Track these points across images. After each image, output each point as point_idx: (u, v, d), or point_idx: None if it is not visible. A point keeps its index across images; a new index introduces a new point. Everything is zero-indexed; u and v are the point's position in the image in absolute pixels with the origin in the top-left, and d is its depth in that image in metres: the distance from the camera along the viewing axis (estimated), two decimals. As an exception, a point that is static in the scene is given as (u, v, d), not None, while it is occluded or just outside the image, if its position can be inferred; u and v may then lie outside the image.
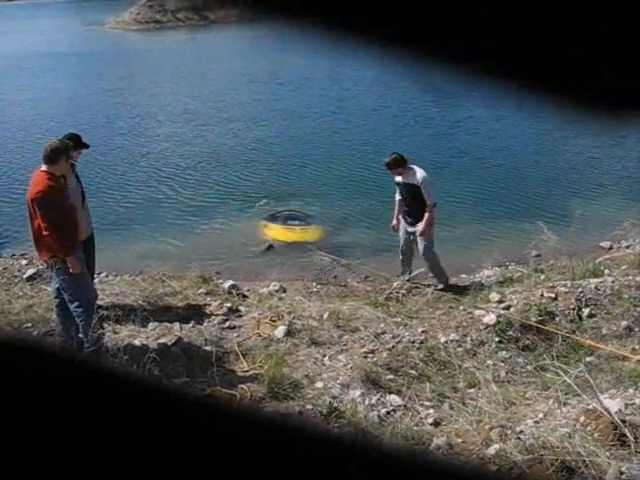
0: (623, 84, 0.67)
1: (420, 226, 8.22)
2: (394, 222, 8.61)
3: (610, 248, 10.07)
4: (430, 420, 5.35)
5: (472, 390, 5.83)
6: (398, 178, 8.31)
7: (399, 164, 8.18)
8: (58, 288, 6.16)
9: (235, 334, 6.61)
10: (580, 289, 7.14)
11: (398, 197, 8.47)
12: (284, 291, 8.36)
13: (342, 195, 12.66)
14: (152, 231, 11.11)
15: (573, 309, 6.87)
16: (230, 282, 8.00)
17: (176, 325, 6.74)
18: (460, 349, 6.34)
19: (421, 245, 8.30)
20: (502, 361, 6.20)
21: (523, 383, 5.92)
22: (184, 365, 5.93)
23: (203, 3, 45.75)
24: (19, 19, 51.94)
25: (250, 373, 5.92)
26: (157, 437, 0.67)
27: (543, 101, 0.72)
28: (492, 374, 5.97)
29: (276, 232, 10.84)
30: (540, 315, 6.71)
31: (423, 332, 6.61)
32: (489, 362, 6.16)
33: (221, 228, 11.19)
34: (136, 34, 45.46)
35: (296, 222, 11.17)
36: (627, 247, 10.03)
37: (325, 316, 7.00)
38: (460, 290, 8.05)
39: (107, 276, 8.97)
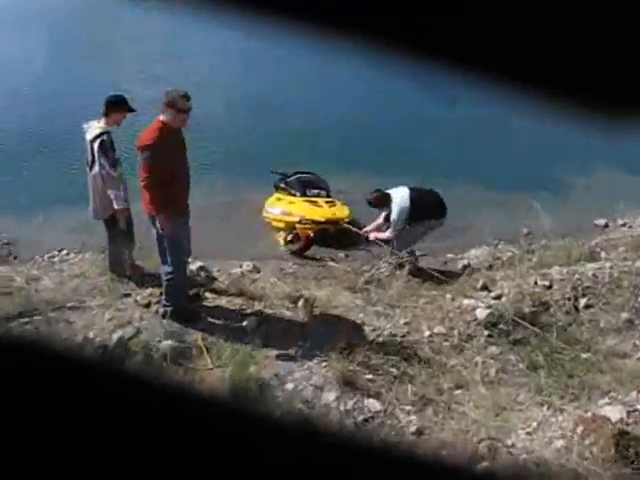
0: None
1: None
2: None
3: (606, 226, 9.55)
4: (412, 429, 4.83)
5: (459, 392, 5.31)
6: None
7: (378, 202, 7.93)
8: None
9: (200, 325, 6.01)
10: (577, 276, 6.60)
11: None
12: (258, 272, 7.76)
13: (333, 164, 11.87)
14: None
15: (569, 299, 6.33)
16: (198, 263, 7.35)
17: (136, 313, 6.15)
18: (446, 344, 5.80)
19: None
20: (492, 358, 5.67)
21: (515, 384, 5.40)
22: (142, 362, 5.35)
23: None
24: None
25: (214, 371, 5.35)
26: (153, 436, 0.68)
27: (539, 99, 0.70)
28: (481, 373, 5.45)
29: (300, 207, 8.95)
30: (534, 306, 6.18)
31: (406, 324, 6.06)
32: (477, 359, 5.63)
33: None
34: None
35: (315, 191, 9.31)
36: (623, 225, 9.52)
37: (300, 304, 6.42)
38: (446, 273, 7.48)
39: (68, 254, 8.31)
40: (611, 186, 10.64)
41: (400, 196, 7.68)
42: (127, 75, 15.31)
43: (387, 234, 7.78)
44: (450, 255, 8.46)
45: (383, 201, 7.81)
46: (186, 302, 6.18)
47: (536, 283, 6.51)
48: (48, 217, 9.51)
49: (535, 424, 4.83)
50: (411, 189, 7.78)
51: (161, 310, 6.05)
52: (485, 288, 6.63)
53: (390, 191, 7.80)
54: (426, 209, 7.68)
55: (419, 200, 7.67)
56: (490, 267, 7.55)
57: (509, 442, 4.59)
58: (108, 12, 24.18)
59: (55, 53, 18.94)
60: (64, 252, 8.35)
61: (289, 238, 8.85)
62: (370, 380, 5.31)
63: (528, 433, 4.72)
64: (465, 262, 8.20)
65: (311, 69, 16.70)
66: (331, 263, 8.26)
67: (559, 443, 4.58)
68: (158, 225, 5.74)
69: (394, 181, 8.23)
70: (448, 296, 6.53)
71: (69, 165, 9.99)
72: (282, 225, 9.00)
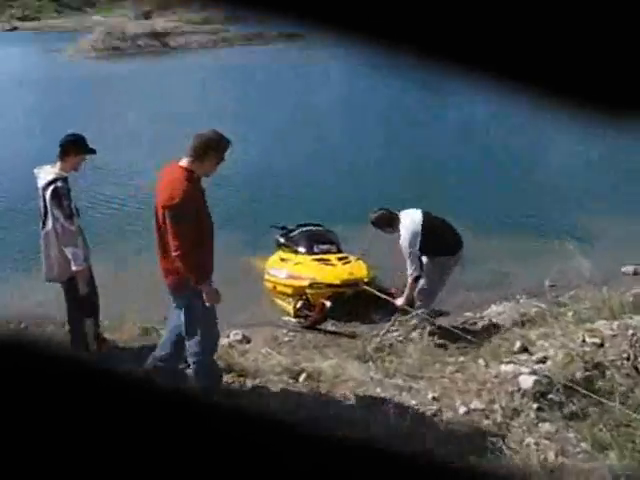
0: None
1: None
2: None
3: (635, 273, 8.52)
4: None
5: (512, 485, 4.14)
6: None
7: (382, 222, 6.64)
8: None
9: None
10: (630, 331, 5.52)
11: None
12: (248, 341, 6.62)
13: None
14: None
15: (627, 359, 5.23)
16: (177, 334, 6.20)
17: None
18: (487, 422, 4.66)
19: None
20: (547, 438, 4.52)
21: (582, 471, 4.24)
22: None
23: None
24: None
25: None
26: (156, 438, 0.68)
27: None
28: (538, 459, 4.30)
29: (309, 268, 7.56)
30: (587, 370, 5.07)
31: (434, 399, 4.92)
32: (529, 440, 4.49)
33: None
34: (92, 62, 43.44)
35: (325, 247, 7.92)
36: (654, 272, 8.52)
37: (301, 379, 5.28)
38: (471, 334, 6.37)
39: (26, 328, 7.09)
40: (627, 231, 9.67)
41: (410, 219, 6.48)
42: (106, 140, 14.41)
43: (409, 280, 6.46)
44: (468, 314, 7.35)
45: (388, 221, 6.55)
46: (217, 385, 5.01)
47: (584, 341, 5.43)
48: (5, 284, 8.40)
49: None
50: (424, 213, 6.58)
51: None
52: (524, 350, 5.52)
53: (400, 213, 6.61)
54: (439, 240, 6.49)
55: (432, 227, 6.48)
56: (522, 324, 6.42)
57: None
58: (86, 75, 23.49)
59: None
60: (22, 326, 7.15)
61: (298, 306, 7.42)
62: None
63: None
64: (485, 321, 7.09)
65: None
66: (332, 328, 7.12)
67: None
68: (183, 300, 4.62)
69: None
70: (480, 362, 5.41)
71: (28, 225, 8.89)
72: (289, 291, 7.58)
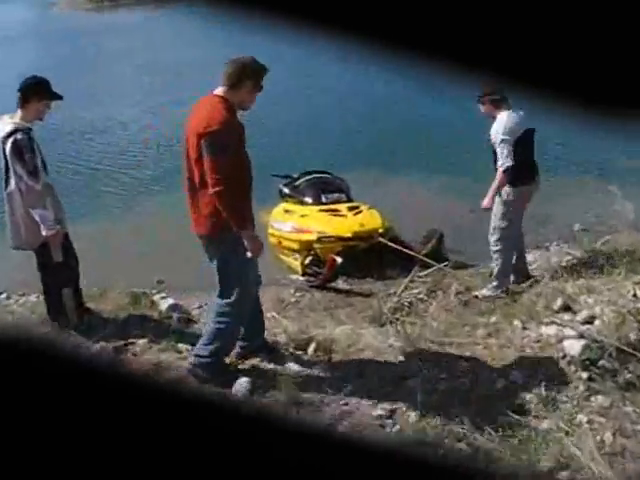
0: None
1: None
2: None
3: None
4: None
5: (565, 474, 3.47)
6: None
7: (490, 96, 5.35)
8: None
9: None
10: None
11: None
12: (251, 305, 5.93)
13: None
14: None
15: (687, 316, 4.52)
16: (169, 301, 5.51)
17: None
18: (530, 396, 3.97)
19: (490, 226, 5.66)
20: (601, 414, 3.83)
21: (646, 455, 3.56)
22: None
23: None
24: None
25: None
26: (155, 438, 0.69)
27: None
28: (593, 440, 3.61)
29: (317, 220, 6.91)
30: (641, 330, 4.36)
31: (466, 370, 4.23)
32: (580, 418, 3.80)
33: (160, 217, 8.24)
34: (85, 14, 41.98)
35: (334, 196, 7.23)
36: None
37: (311, 349, 4.60)
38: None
39: (9, 297, 6.44)
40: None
41: (517, 116, 5.36)
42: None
43: (498, 172, 5.34)
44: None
45: (499, 97, 5.29)
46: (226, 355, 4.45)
47: (635, 296, 4.71)
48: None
49: None
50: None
51: (194, 360, 4.24)
52: (566, 308, 4.79)
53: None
54: (525, 160, 5.44)
55: (527, 141, 5.46)
56: (561, 275, 5.66)
57: None
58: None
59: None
60: (3, 295, 6.51)
61: (306, 262, 6.72)
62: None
63: None
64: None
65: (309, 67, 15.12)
66: (344, 286, 6.43)
67: None
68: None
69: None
70: (516, 323, 4.69)
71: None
72: (296, 246, 6.89)
